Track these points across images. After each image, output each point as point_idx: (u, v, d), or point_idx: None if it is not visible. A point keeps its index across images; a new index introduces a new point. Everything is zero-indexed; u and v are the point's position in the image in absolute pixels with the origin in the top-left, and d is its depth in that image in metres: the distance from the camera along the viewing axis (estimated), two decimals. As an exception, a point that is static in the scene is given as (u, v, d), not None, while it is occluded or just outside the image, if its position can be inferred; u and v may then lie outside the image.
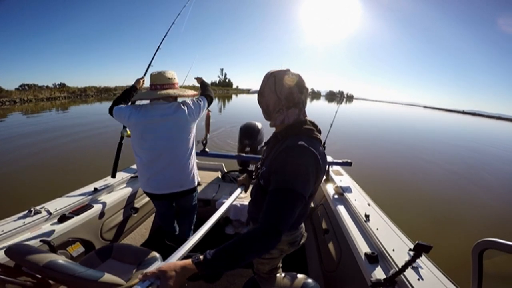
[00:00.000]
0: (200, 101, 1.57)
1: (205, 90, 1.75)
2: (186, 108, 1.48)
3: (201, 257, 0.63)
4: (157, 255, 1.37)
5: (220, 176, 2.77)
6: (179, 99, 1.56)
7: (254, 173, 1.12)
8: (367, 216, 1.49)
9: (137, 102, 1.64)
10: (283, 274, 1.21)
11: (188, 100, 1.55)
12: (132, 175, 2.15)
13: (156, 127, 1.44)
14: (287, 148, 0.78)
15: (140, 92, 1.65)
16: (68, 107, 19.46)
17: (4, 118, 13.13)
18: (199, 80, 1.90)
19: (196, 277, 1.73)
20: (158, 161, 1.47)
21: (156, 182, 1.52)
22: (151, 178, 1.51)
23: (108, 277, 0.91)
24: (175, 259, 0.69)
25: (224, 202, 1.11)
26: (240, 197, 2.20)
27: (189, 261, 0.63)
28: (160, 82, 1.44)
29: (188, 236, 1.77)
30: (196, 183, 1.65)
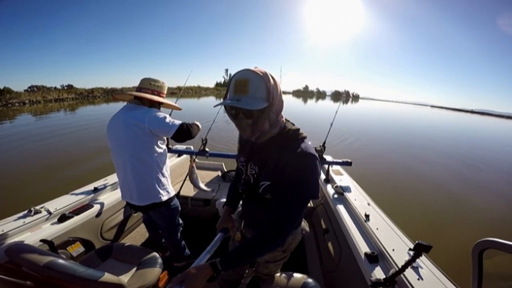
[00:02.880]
0: (172, 122, 1.36)
1: (189, 127, 1.44)
2: (147, 118, 1.32)
3: (218, 260, 0.76)
4: (157, 254, 1.37)
5: (220, 175, 2.77)
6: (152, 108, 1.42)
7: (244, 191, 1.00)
8: (367, 216, 1.49)
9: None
10: (283, 274, 1.21)
11: (158, 112, 1.37)
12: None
13: (114, 131, 1.38)
14: (296, 157, 0.74)
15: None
16: (75, 108, 19.94)
17: (12, 119, 13.29)
18: None
19: None
20: (118, 168, 1.44)
21: (120, 188, 1.48)
22: (119, 183, 1.48)
23: (108, 276, 0.91)
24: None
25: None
26: None
27: (206, 263, 0.77)
28: (141, 86, 1.42)
29: (174, 249, 1.73)
30: (159, 200, 1.44)
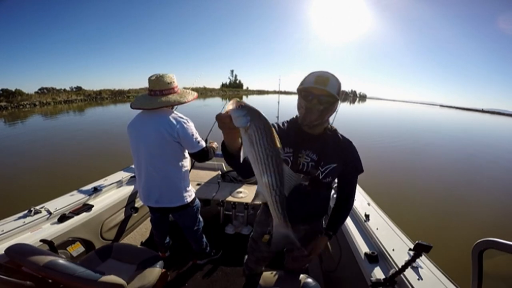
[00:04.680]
0: (198, 141, 1.41)
1: (209, 150, 1.53)
2: (176, 129, 1.33)
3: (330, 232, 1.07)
4: (157, 254, 1.37)
5: (220, 175, 2.77)
6: (177, 112, 1.43)
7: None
8: (367, 216, 1.49)
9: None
10: (283, 274, 1.21)
11: (187, 124, 1.38)
12: (133, 174, 2.14)
13: (142, 135, 1.38)
14: (351, 143, 1.01)
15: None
16: (83, 109, 20.39)
17: (23, 119, 13.43)
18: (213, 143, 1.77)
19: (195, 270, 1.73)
20: (141, 171, 1.45)
21: (142, 191, 1.49)
22: (140, 186, 1.49)
23: (108, 277, 0.91)
24: None
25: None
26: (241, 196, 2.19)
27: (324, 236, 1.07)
28: (160, 87, 1.34)
29: (198, 247, 1.75)
30: (182, 203, 1.48)
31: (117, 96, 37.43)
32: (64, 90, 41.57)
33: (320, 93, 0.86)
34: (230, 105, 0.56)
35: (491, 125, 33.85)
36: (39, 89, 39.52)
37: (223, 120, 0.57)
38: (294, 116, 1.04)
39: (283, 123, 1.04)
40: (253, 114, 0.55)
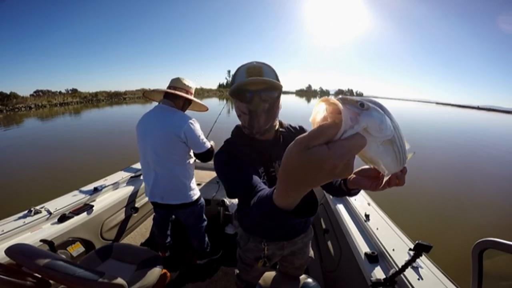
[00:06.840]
0: (204, 142, 1.46)
1: (214, 151, 1.55)
2: (183, 129, 1.38)
3: None
4: (157, 254, 1.37)
5: None
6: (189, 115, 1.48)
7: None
8: (367, 216, 1.49)
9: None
10: (283, 274, 1.21)
11: (194, 125, 1.42)
12: (133, 174, 2.14)
13: (149, 133, 1.42)
14: (302, 128, 0.93)
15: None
16: (79, 111, 20.53)
17: (18, 123, 13.45)
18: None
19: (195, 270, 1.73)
20: (149, 170, 1.49)
21: (149, 187, 1.51)
22: (146, 182, 1.53)
23: (108, 277, 0.91)
24: None
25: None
26: None
27: None
28: (175, 85, 1.47)
29: (199, 246, 1.76)
30: (187, 200, 1.51)
31: (114, 98, 38.19)
32: (60, 92, 42.51)
33: (258, 88, 0.70)
34: (332, 113, 0.29)
35: (488, 122, 33.96)
36: (35, 92, 40.14)
37: (360, 144, 0.27)
38: (234, 128, 0.88)
39: (229, 142, 0.85)
40: (382, 108, 0.32)
